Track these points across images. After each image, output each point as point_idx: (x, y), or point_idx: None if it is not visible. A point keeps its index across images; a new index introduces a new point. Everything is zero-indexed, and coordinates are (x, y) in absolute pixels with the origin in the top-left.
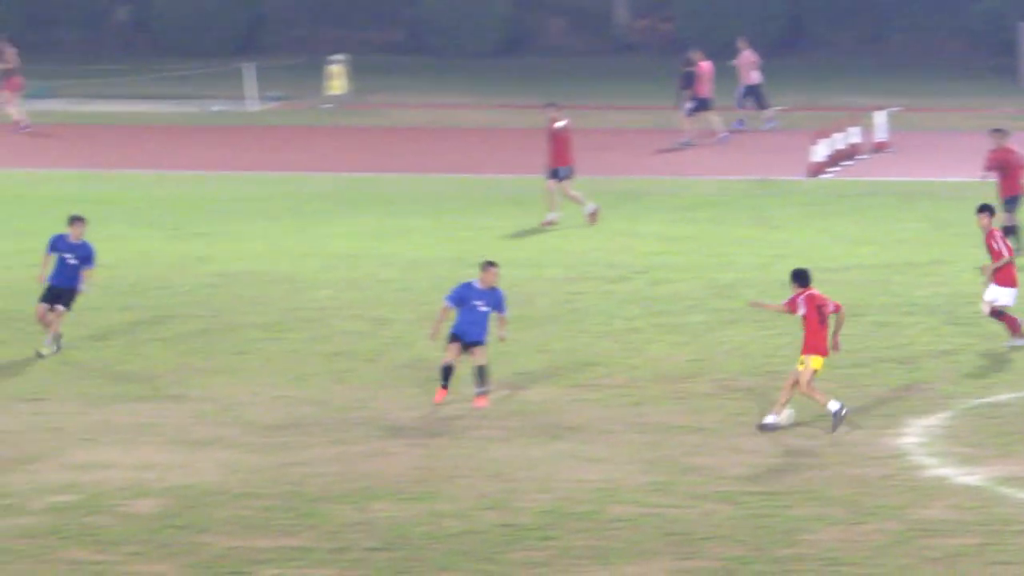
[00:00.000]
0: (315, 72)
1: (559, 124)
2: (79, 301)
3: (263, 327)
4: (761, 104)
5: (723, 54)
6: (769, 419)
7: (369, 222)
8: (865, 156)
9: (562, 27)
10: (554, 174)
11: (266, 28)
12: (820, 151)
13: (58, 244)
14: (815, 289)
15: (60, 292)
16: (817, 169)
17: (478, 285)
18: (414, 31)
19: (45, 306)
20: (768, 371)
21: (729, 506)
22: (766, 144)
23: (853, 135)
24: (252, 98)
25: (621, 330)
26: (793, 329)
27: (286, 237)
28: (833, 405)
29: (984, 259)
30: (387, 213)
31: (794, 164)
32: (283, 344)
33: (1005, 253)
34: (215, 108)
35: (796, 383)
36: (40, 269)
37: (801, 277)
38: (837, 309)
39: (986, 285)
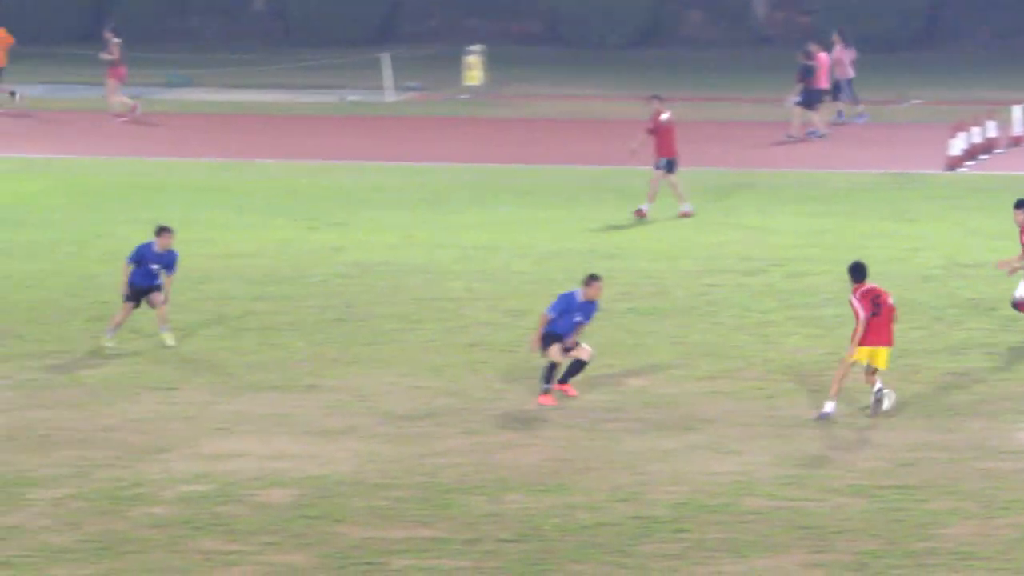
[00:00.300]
0: (451, 62)
1: (664, 116)
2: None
3: (398, 317)
4: (834, 97)
5: (860, 47)
6: (885, 401)
7: (504, 213)
8: (1001, 150)
9: (699, 19)
10: (656, 165)
11: (403, 18)
12: (957, 145)
13: (146, 255)
14: (869, 284)
15: (146, 291)
16: (954, 163)
17: (580, 297)
18: (551, 22)
19: (131, 305)
20: (904, 364)
21: (862, 500)
22: (903, 137)
23: (990, 129)
24: (389, 88)
25: (756, 323)
26: (928, 323)
27: (421, 228)
28: (829, 406)
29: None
30: (522, 204)
31: (931, 158)
32: (418, 334)
33: None
34: (352, 98)
35: (873, 370)
36: (122, 279)
37: (857, 271)
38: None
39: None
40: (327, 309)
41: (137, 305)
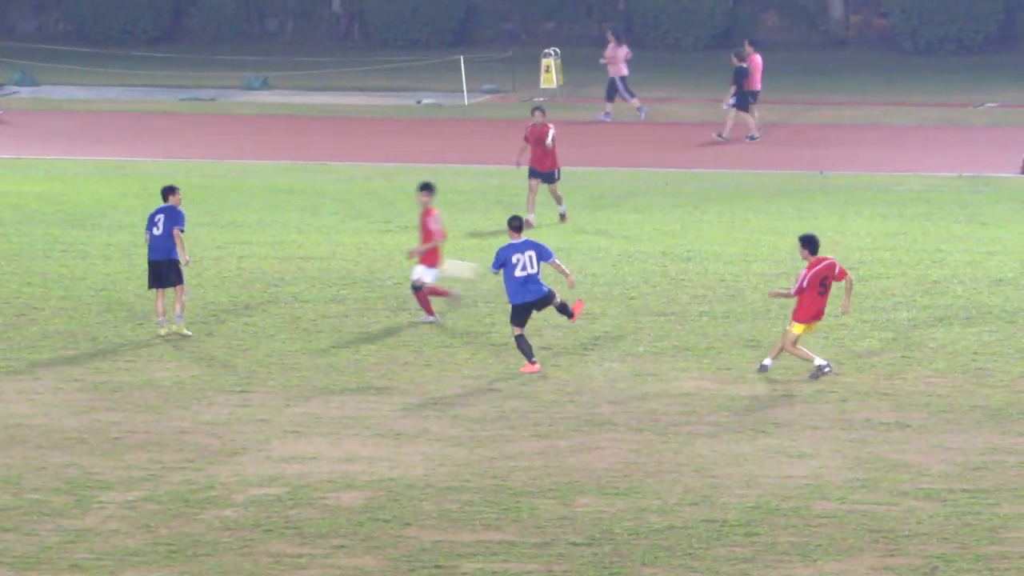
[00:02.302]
0: (527, 65)
1: (550, 136)
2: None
3: (470, 320)
4: (609, 96)
5: (936, 50)
6: (767, 362)
7: (579, 217)
8: None
9: (775, 21)
10: (533, 174)
11: (479, 20)
12: None
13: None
14: (826, 257)
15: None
16: None
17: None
18: (627, 25)
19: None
20: (976, 368)
21: (934, 503)
22: (977, 140)
23: None
24: (464, 91)
25: (829, 326)
26: (1001, 327)
27: (496, 231)
28: (820, 360)
29: None
30: (597, 207)
31: (1006, 161)
32: (490, 337)
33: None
34: (427, 100)
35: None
36: (183, 247)
37: (810, 243)
38: (842, 276)
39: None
40: (400, 312)
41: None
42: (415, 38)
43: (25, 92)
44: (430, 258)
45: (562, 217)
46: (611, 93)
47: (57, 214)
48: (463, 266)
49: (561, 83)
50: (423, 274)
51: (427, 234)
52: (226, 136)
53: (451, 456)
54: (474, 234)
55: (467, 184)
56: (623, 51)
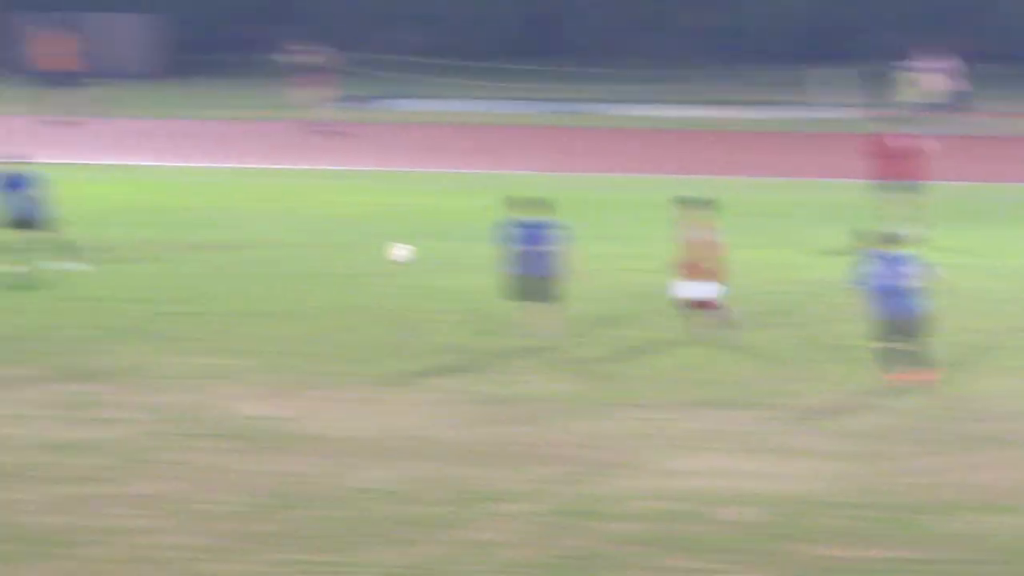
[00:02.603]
0: (908, 78)
1: (911, 141)
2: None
3: (838, 335)
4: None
5: None
6: None
7: (954, 233)
8: None
9: None
10: (891, 187)
11: (854, 33)
12: None
13: None
14: None
15: None
16: None
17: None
18: (998, 36)
19: None
20: None
21: None
22: None
23: None
24: (839, 104)
25: None
26: None
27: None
28: None
29: None
30: (974, 222)
31: None
32: (861, 352)
33: None
34: (811, 115)
35: None
36: None
37: None
38: None
39: None
40: (785, 327)
41: None
42: (794, 51)
43: (401, 105)
44: (690, 271)
45: (915, 235)
46: (959, 104)
47: (430, 226)
48: (403, 251)
49: (948, 96)
50: (693, 289)
51: (691, 247)
52: (605, 149)
53: (840, 471)
54: (831, 251)
55: (837, 198)
56: (951, 64)
